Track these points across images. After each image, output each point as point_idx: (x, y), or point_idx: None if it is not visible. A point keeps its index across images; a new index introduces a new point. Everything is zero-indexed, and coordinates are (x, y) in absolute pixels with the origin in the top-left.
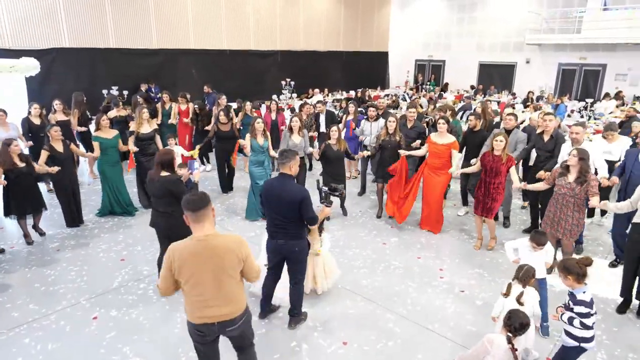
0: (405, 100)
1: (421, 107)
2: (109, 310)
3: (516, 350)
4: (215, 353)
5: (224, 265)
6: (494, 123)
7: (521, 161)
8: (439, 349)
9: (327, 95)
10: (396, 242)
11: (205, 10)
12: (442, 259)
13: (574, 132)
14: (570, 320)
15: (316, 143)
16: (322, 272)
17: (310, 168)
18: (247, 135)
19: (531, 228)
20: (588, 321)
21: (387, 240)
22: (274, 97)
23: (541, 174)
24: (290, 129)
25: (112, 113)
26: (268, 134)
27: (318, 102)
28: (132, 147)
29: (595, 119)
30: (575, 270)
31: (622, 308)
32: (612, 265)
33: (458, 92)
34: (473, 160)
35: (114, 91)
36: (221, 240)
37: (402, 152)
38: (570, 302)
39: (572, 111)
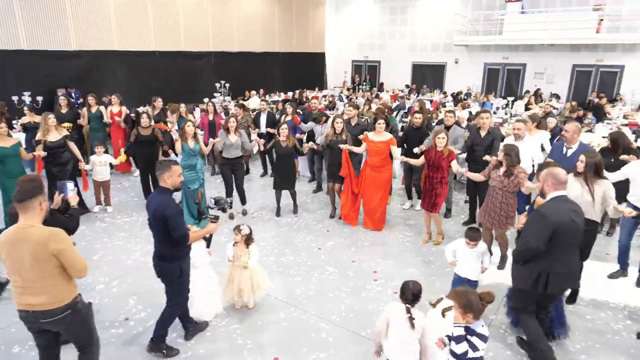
0: (342, 101)
1: (357, 107)
2: None
3: (413, 319)
4: (48, 344)
5: (36, 256)
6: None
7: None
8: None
9: (265, 96)
10: (332, 246)
11: (129, 9)
12: (377, 261)
13: (516, 128)
14: (464, 355)
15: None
16: (248, 285)
17: (248, 171)
18: (178, 139)
19: (470, 221)
20: (477, 354)
21: (322, 245)
22: (205, 100)
23: (487, 157)
24: (227, 129)
25: (25, 119)
26: (200, 136)
27: (262, 100)
28: (39, 153)
29: (513, 115)
30: (477, 308)
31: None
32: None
33: (393, 92)
34: (416, 150)
35: (26, 97)
36: (37, 231)
37: (343, 147)
38: (466, 334)
39: (498, 108)
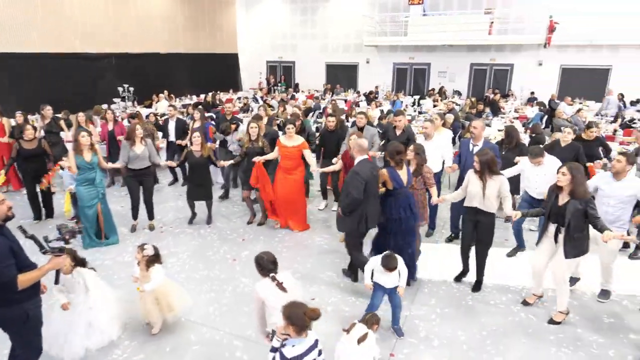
0: (257, 103)
1: (272, 108)
2: None
3: (281, 282)
4: None
5: None
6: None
7: None
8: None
9: (175, 100)
10: (247, 255)
11: (10, 7)
12: (294, 267)
13: (424, 127)
14: None
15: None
16: (154, 308)
17: (156, 181)
18: (70, 152)
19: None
20: None
21: (237, 256)
22: (104, 106)
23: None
24: (130, 139)
25: None
26: (97, 147)
27: (170, 106)
28: None
29: (420, 113)
30: (298, 322)
31: (459, 277)
32: (449, 240)
33: (309, 92)
34: (334, 160)
35: None
36: None
37: (256, 159)
38: (279, 348)
39: (407, 106)
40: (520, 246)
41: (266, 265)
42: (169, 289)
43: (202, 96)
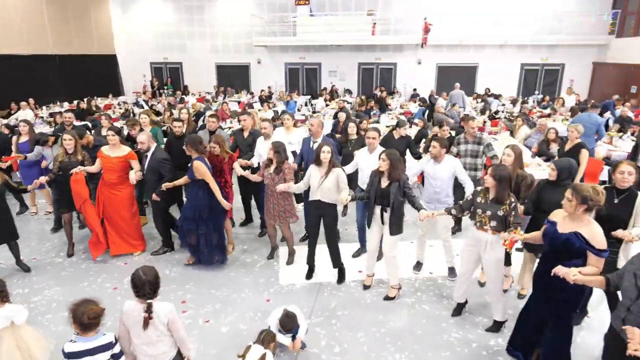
0: (143, 107)
1: (157, 114)
2: None
3: (151, 318)
4: None
5: None
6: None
7: None
8: None
9: (40, 109)
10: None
11: None
12: (185, 288)
13: (263, 127)
14: None
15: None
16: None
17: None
18: None
19: (246, 221)
20: None
21: (118, 283)
22: None
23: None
24: None
25: None
26: None
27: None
28: None
29: (315, 112)
30: (79, 320)
31: (308, 276)
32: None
33: (200, 95)
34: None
35: None
36: None
37: (75, 170)
38: None
39: (301, 106)
40: (362, 247)
41: (143, 287)
42: (26, 335)
43: (75, 102)
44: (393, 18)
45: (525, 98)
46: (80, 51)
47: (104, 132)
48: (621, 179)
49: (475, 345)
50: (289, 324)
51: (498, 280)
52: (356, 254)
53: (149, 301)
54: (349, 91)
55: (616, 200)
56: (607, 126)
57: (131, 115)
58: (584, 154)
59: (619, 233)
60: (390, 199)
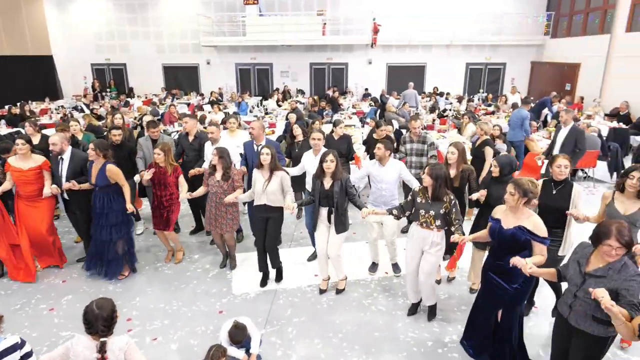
0: (83, 112)
1: (99, 118)
2: None
3: (105, 358)
4: None
5: None
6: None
7: None
8: None
9: None
10: (69, 301)
11: None
12: (130, 304)
13: (210, 131)
14: None
15: None
16: None
17: None
18: None
19: (197, 229)
20: None
21: (56, 304)
22: None
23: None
24: None
25: None
26: None
27: None
28: None
29: (268, 113)
30: None
31: (263, 283)
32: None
33: (146, 97)
34: (136, 177)
35: None
36: None
37: None
38: None
39: (253, 107)
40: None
41: (96, 322)
42: None
43: (6, 108)
44: (342, 18)
45: (471, 96)
46: (11, 52)
47: (34, 140)
48: (558, 172)
49: (431, 344)
50: (238, 335)
51: (433, 275)
52: (311, 258)
53: (102, 339)
54: (301, 92)
55: (554, 192)
56: (545, 122)
57: (69, 119)
58: (488, 151)
59: (573, 212)
60: (334, 198)
